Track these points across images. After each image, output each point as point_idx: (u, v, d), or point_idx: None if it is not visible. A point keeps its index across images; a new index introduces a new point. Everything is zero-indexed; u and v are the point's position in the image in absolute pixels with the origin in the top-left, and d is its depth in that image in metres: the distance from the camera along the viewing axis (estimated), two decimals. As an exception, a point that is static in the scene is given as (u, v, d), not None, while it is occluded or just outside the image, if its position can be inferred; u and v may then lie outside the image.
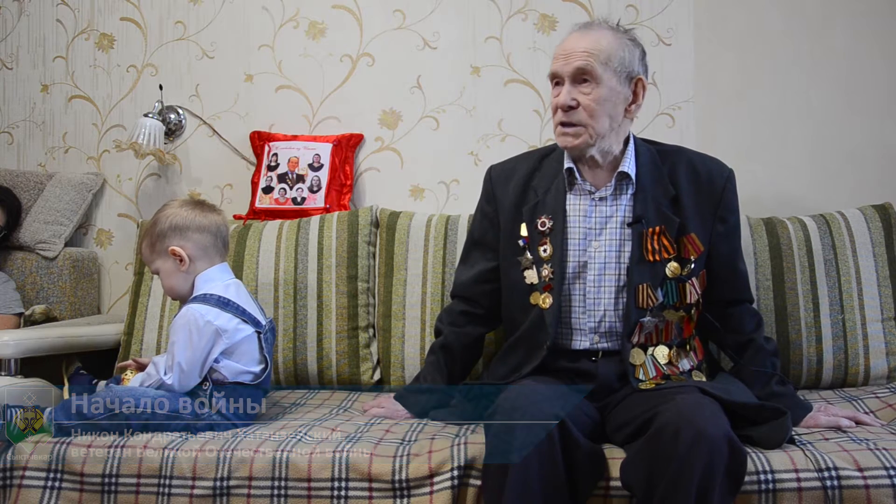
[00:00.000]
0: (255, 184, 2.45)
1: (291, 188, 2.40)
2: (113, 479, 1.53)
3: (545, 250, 1.68)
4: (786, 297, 2.01)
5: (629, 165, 1.67)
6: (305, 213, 2.36)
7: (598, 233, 1.67)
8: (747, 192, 2.11)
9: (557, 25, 2.42)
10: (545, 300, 1.67)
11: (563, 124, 1.63)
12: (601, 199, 1.68)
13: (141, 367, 1.77)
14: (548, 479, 1.35)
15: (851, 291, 2.01)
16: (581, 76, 1.60)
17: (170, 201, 1.84)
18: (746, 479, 1.35)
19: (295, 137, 2.48)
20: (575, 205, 1.69)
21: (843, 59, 2.34)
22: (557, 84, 1.64)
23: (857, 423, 1.62)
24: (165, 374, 1.66)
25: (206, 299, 1.72)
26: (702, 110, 2.38)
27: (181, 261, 1.74)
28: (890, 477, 1.37)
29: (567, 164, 1.69)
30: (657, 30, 2.39)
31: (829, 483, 1.37)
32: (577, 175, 1.69)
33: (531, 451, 1.34)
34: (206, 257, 1.77)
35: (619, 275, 1.65)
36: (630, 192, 1.67)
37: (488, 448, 1.40)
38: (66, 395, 1.73)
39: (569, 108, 1.61)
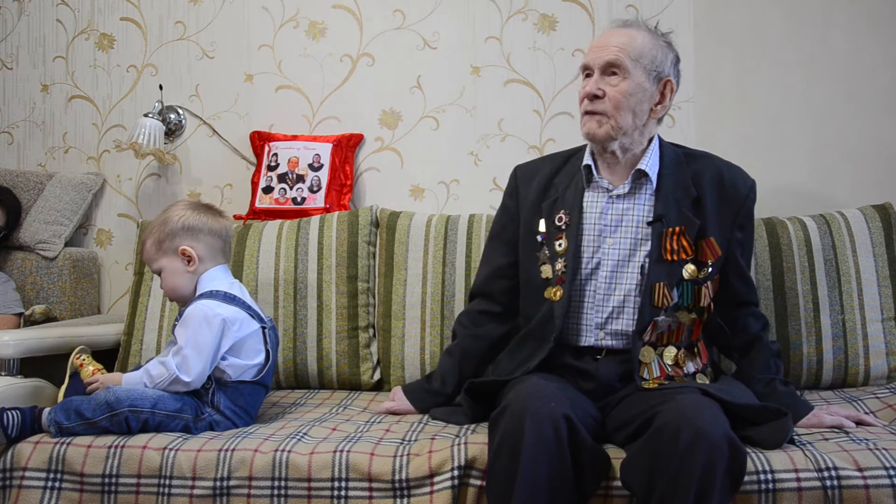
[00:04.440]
0: (255, 184, 2.45)
1: (291, 188, 2.40)
2: (113, 479, 1.53)
3: (560, 245, 1.69)
4: (786, 297, 2.01)
5: (648, 164, 1.68)
6: (305, 213, 2.36)
7: (612, 230, 1.68)
8: (747, 192, 2.12)
9: (557, 25, 2.42)
10: (556, 293, 1.67)
11: (588, 112, 1.66)
12: (618, 196, 1.69)
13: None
14: (556, 479, 1.35)
15: (851, 291, 2.01)
16: (610, 68, 1.63)
17: (175, 203, 1.85)
18: (746, 478, 1.35)
19: (295, 137, 2.48)
20: (591, 202, 1.70)
21: (843, 59, 2.34)
22: (588, 76, 1.68)
23: (859, 423, 1.62)
24: (179, 370, 1.65)
25: (212, 295, 1.73)
26: (702, 110, 2.38)
27: (190, 261, 1.75)
28: (890, 477, 1.36)
29: (586, 160, 1.71)
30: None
31: (828, 483, 1.37)
32: (594, 172, 1.70)
33: (540, 450, 1.34)
34: (213, 260, 1.78)
35: (633, 273, 1.65)
36: (648, 191, 1.68)
37: (495, 447, 1.39)
38: (61, 396, 1.73)
39: (594, 98, 1.64)
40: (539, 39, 2.43)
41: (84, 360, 1.79)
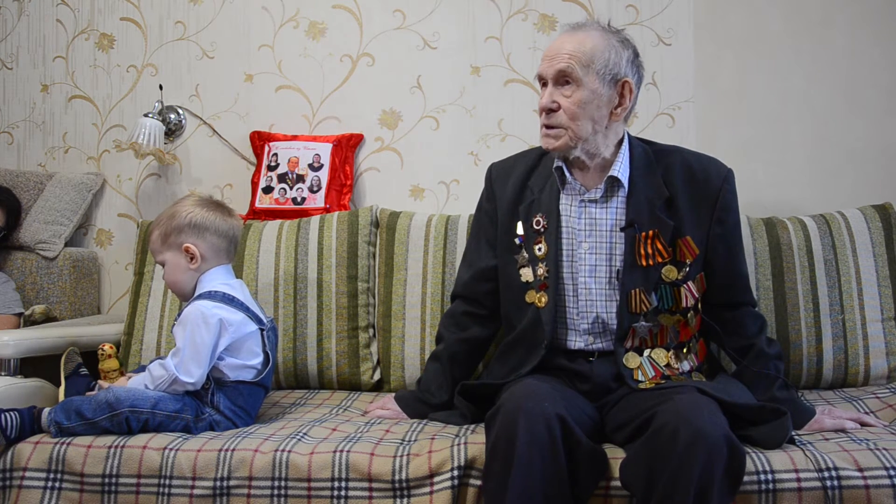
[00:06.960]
0: (255, 184, 2.45)
1: (291, 188, 2.40)
2: (113, 479, 1.53)
3: (540, 249, 1.68)
4: (786, 297, 2.01)
5: (619, 169, 1.65)
6: (305, 213, 2.36)
7: (587, 234, 1.66)
8: (747, 192, 2.12)
9: (557, 25, 2.42)
10: (541, 299, 1.66)
11: (545, 126, 1.64)
12: (591, 201, 1.67)
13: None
14: (550, 478, 1.35)
15: (851, 291, 2.01)
16: (562, 78, 1.60)
17: (188, 196, 1.83)
18: (747, 479, 1.35)
19: (295, 137, 2.48)
20: (566, 205, 1.69)
21: (843, 59, 2.34)
22: (544, 85, 1.65)
23: (862, 424, 1.61)
24: (178, 371, 1.65)
25: (211, 296, 1.73)
26: (702, 110, 2.38)
27: (192, 259, 1.75)
28: (890, 477, 1.37)
29: (557, 162, 1.70)
30: (657, 30, 2.39)
31: (829, 483, 1.37)
32: (566, 174, 1.69)
33: (534, 450, 1.34)
34: (216, 259, 1.78)
35: (610, 278, 1.64)
36: (621, 195, 1.66)
37: (490, 447, 1.39)
38: (61, 397, 1.73)
39: (550, 111, 1.62)
40: (539, 39, 2.43)
41: (107, 351, 1.79)
